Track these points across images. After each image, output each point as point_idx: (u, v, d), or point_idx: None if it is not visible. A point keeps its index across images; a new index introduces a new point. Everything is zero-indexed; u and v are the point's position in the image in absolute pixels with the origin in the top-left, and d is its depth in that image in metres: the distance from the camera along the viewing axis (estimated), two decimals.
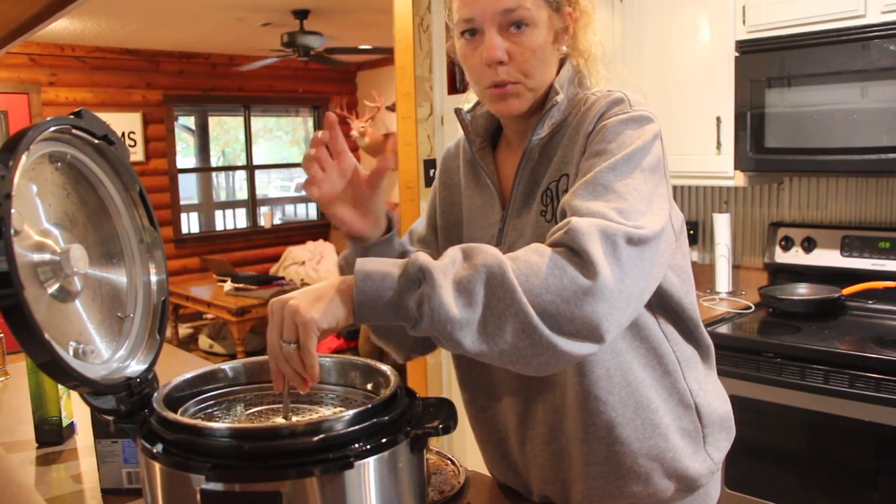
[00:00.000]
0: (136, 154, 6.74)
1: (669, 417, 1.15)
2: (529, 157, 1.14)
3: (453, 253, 0.90)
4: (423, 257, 0.88)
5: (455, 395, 1.33)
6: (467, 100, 1.29)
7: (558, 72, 1.14)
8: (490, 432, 1.31)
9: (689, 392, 1.17)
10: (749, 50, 2.52)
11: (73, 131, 0.93)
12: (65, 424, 1.65)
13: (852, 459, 2.14)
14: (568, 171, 1.08)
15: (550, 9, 1.09)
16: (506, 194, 1.19)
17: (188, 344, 6.25)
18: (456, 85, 3.17)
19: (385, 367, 1.00)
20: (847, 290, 2.50)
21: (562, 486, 1.20)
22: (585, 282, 0.88)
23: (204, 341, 6.00)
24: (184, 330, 6.48)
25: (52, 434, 1.64)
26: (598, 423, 1.12)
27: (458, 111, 1.25)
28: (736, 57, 2.55)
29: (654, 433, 1.13)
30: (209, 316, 6.41)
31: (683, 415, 1.16)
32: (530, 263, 0.89)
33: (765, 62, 2.48)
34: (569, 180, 1.08)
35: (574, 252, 0.90)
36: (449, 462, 1.47)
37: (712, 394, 1.22)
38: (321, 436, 0.81)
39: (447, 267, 0.88)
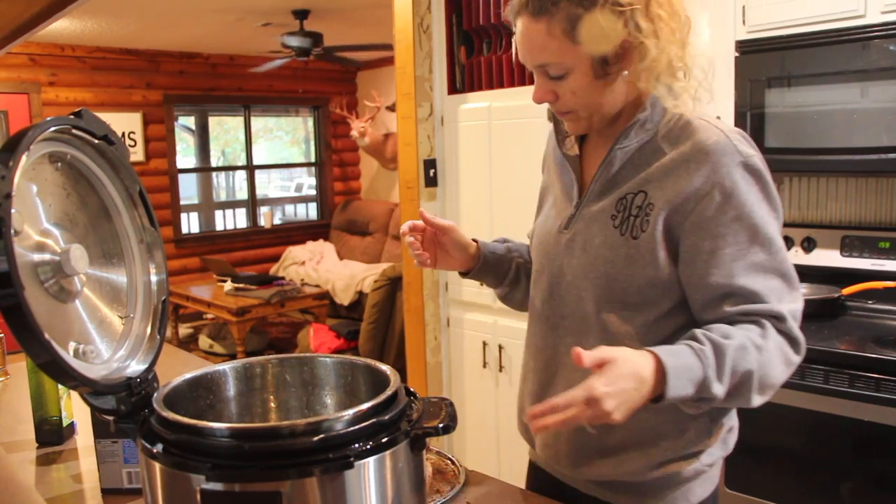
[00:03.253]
0: (137, 154, 6.73)
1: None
2: (610, 162, 1.20)
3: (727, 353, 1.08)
4: (706, 357, 1.06)
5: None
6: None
7: (636, 95, 1.21)
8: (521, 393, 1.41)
9: None
10: (749, 50, 2.52)
11: (74, 131, 0.93)
12: (65, 424, 1.65)
13: (852, 459, 2.14)
14: (647, 189, 1.15)
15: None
16: (584, 184, 1.27)
17: (188, 344, 6.25)
18: (456, 85, 3.18)
19: (385, 367, 1.00)
20: (847, 290, 2.50)
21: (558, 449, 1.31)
22: (796, 360, 1.16)
23: (204, 341, 6.00)
24: (184, 330, 6.49)
25: (52, 434, 1.64)
26: None
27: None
28: (736, 57, 2.55)
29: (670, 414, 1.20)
30: (209, 316, 6.41)
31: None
32: (770, 355, 1.11)
33: (765, 62, 2.48)
34: (646, 197, 1.15)
35: (793, 342, 1.14)
36: (449, 462, 1.47)
37: None
38: (321, 436, 0.81)
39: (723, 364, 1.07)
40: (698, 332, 1.10)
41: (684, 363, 1.04)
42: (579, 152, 1.30)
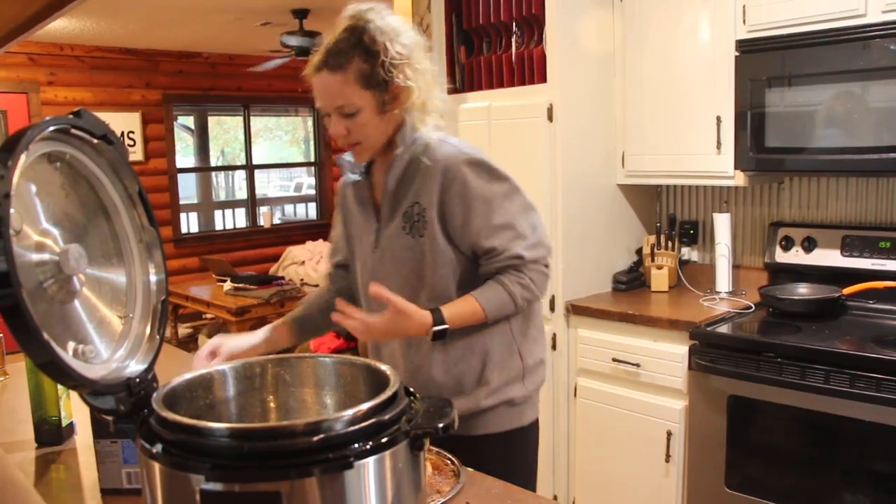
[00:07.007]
0: (136, 154, 6.72)
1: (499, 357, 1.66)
2: (388, 189, 1.60)
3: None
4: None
5: None
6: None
7: (399, 126, 1.57)
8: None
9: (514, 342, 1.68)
10: (749, 49, 2.52)
11: (73, 131, 0.93)
12: (64, 424, 1.65)
13: (853, 459, 2.14)
14: (420, 200, 1.57)
15: (374, 92, 1.50)
16: (379, 210, 1.66)
17: (188, 344, 6.24)
18: (455, 84, 3.17)
19: (385, 367, 1.00)
20: (847, 290, 2.50)
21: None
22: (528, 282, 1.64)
23: (203, 341, 6.00)
24: (183, 330, 6.48)
25: (51, 434, 1.64)
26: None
27: (339, 161, 1.70)
28: (736, 56, 2.55)
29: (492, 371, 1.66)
30: (209, 316, 6.40)
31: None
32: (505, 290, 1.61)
33: (765, 62, 2.48)
34: (420, 206, 1.57)
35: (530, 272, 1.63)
36: (449, 462, 1.46)
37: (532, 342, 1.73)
38: (321, 436, 0.80)
39: None
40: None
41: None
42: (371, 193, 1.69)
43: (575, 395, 2.87)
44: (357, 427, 0.83)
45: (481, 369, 1.65)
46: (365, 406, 0.85)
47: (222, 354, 1.59)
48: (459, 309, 1.55)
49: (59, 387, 1.62)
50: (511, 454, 1.72)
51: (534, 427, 1.75)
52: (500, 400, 1.66)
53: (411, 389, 0.97)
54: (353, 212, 1.74)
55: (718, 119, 2.63)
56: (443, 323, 1.51)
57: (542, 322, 1.76)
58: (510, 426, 1.69)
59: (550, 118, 2.79)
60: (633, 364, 2.64)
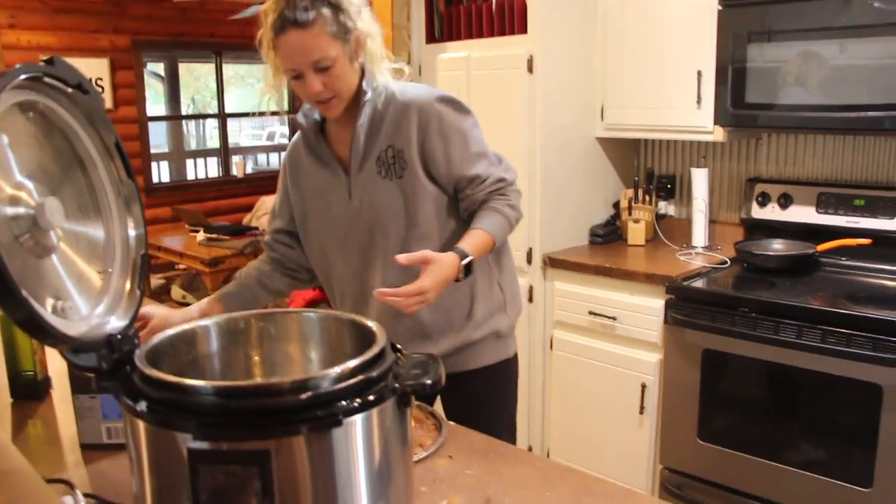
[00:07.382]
0: (104, 101, 6.56)
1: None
2: (357, 137, 1.61)
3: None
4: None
5: None
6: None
7: (362, 75, 1.60)
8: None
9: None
10: (732, 3, 2.49)
11: (45, 79, 0.89)
12: (40, 378, 1.63)
13: (824, 413, 2.19)
14: (394, 142, 1.60)
15: (342, 43, 1.52)
16: (344, 162, 1.66)
17: (161, 295, 6.19)
18: (434, 34, 3.11)
19: (371, 323, 0.99)
20: (821, 247, 2.53)
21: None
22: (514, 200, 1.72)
23: (177, 292, 5.95)
24: (156, 281, 6.42)
25: (27, 388, 1.62)
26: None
27: (296, 122, 1.73)
28: (719, 10, 2.52)
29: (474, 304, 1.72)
30: (181, 266, 6.34)
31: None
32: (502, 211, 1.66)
33: (747, 16, 2.46)
34: (395, 148, 1.60)
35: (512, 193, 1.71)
36: (430, 416, 1.48)
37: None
38: (309, 393, 0.80)
39: None
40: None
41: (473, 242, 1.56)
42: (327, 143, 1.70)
43: (551, 347, 2.89)
44: (345, 384, 0.82)
45: (469, 304, 1.70)
46: (352, 363, 0.84)
47: (149, 327, 1.58)
48: (473, 241, 1.58)
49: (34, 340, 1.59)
50: (498, 388, 1.79)
51: (516, 359, 1.83)
52: (488, 331, 1.73)
53: (398, 346, 0.97)
54: (308, 172, 1.73)
55: (699, 73, 2.62)
56: (467, 256, 1.54)
57: (511, 250, 1.82)
58: (497, 359, 1.77)
59: (530, 69, 2.76)
60: (610, 317, 2.67)
